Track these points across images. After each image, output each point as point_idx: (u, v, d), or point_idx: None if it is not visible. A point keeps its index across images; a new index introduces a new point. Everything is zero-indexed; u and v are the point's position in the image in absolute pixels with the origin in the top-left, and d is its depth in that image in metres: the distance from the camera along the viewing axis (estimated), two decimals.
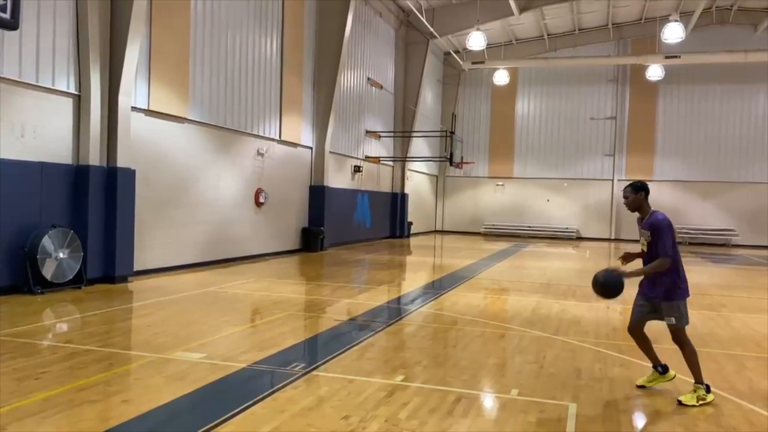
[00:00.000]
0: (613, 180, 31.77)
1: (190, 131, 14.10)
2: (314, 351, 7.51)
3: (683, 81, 30.57)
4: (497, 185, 33.68)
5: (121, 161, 11.50)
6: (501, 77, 30.85)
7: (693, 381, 5.53)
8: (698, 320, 9.21)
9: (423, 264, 18.49)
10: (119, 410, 4.87)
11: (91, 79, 11.00)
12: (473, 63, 30.72)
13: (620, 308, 10.48)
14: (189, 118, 13.92)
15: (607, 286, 5.54)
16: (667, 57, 27.84)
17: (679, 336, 5.57)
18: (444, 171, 33.95)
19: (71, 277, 10.46)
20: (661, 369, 5.87)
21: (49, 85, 10.49)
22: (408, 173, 28.70)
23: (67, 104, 10.89)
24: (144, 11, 11.70)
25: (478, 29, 23.54)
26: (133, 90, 11.81)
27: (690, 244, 29.48)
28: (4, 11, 6.48)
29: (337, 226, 21.22)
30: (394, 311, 10.06)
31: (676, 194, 30.49)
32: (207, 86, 14.59)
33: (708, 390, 5.48)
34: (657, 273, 5.50)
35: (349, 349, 7.12)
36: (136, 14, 11.30)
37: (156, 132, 12.93)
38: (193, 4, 13.85)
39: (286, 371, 6.04)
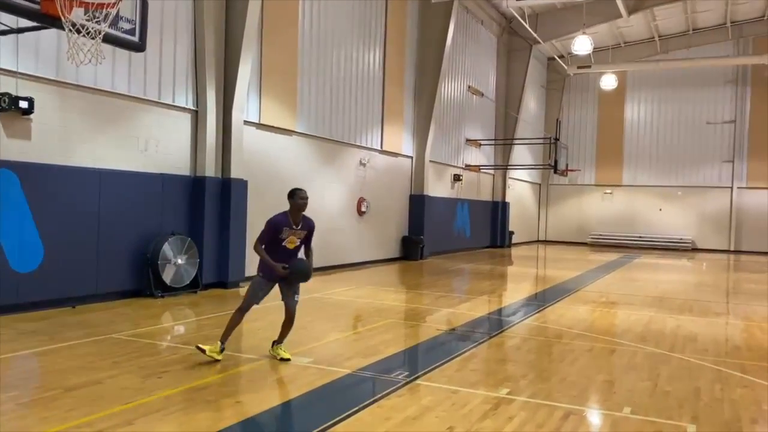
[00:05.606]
0: (732, 188, 29.62)
1: (298, 143, 14.61)
2: (417, 360, 7.54)
3: None
4: (605, 193, 32.38)
5: (235, 173, 12.10)
6: (608, 81, 29.70)
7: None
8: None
9: (525, 275, 18.09)
10: (233, 411, 5.10)
11: (207, 95, 11.67)
12: (579, 67, 29.75)
13: (742, 325, 9.77)
14: (297, 130, 14.43)
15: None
16: None
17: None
18: (548, 179, 33.08)
19: (188, 282, 11.09)
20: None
21: (170, 102, 11.23)
22: (509, 182, 28.22)
23: (185, 119, 11.62)
24: (255, 31, 12.29)
25: (584, 33, 22.82)
26: (245, 105, 12.43)
27: None
28: (133, 35, 7.00)
29: (437, 235, 21.20)
30: (496, 323, 9.91)
31: None
32: (313, 99, 15.07)
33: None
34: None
35: (451, 359, 7.08)
36: (248, 34, 11.90)
37: (266, 144, 13.51)
38: (300, 21, 14.37)
39: (389, 379, 6.10)
